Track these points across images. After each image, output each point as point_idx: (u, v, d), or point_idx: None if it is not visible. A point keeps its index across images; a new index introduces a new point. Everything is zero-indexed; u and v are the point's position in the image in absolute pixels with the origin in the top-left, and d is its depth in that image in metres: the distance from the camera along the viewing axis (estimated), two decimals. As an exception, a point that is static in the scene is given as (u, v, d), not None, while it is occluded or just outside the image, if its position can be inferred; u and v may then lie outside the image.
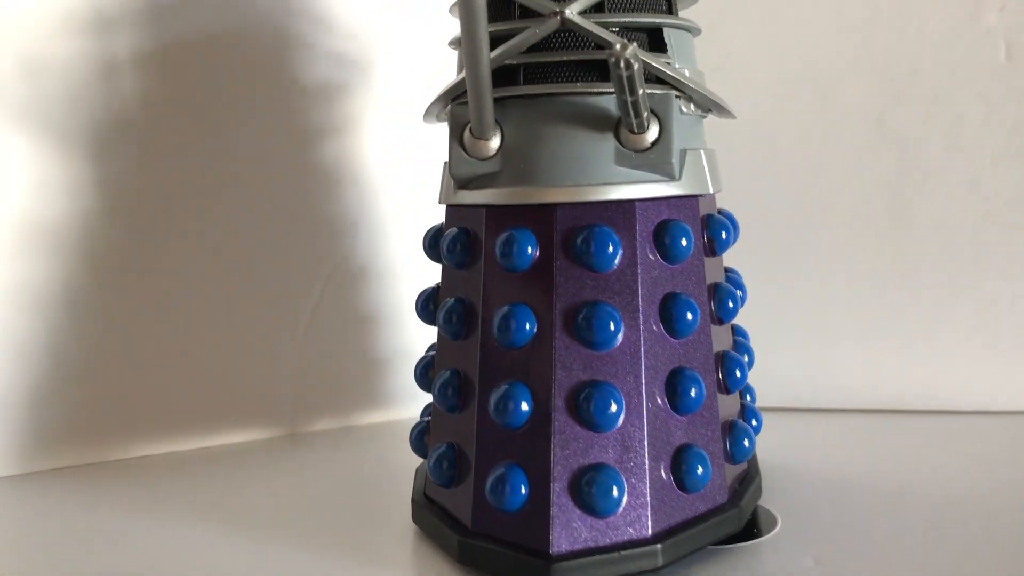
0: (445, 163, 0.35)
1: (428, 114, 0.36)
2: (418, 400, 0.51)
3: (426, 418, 0.37)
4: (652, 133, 0.31)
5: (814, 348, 0.52)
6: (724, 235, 0.34)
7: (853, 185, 0.50)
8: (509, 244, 0.31)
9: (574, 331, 0.30)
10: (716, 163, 0.36)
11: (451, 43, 0.36)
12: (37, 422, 0.44)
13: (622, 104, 0.29)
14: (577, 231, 0.31)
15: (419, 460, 0.41)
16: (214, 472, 0.44)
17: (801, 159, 0.51)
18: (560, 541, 0.29)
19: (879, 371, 0.51)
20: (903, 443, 0.46)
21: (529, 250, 0.31)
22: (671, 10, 0.34)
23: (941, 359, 0.50)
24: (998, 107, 0.48)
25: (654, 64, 0.31)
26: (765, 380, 0.46)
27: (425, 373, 0.36)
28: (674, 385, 0.31)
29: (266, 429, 0.49)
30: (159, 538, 0.36)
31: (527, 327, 0.31)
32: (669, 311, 0.31)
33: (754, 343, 0.40)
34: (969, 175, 0.48)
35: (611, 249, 0.31)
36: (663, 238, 0.31)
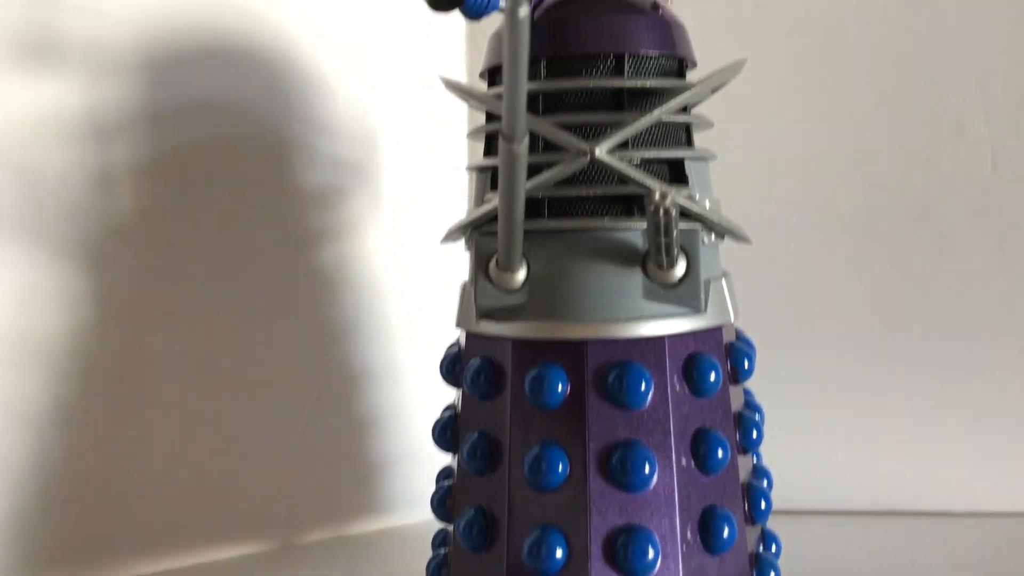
0: (463, 285, 0.35)
1: (448, 238, 0.36)
2: (416, 505, 0.50)
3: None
4: (680, 268, 0.31)
5: (808, 450, 0.52)
6: (747, 364, 0.34)
7: (845, 292, 0.51)
8: (539, 381, 0.31)
9: (609, 473, 0.30)
10: (733, 288, 0.36)
11: (470, 133, 0.36)
12: (26, 540, 0.42)
13: (655, 245, 0.29)
14: (609, 368, 0.30)
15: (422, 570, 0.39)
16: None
17: (793, 267, 0.51)
18: None
19: (873, 472, 0.51)
20: (897, 544, 0.46)
21: (560, 387, 0.31)
22: (690, 141, 0.35)
23: (934, 461, 0.51)
24: (986, 215, 0.49)
25: (686, 204, 0.31)
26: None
27: (443, 503, 0.35)
28: (707, 525, 0.31)
29: (261, 542, 0.47)
30: None
31: (559, 468, 0.30)
32: (700, 447, 0.31)
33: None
34: (960, 281, 0.49)
35: (644, 386, 0.30)
36: (692, 372, 0.31)
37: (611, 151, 0.31)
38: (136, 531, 0.44)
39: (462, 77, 0.53)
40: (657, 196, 0.27)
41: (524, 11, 0.22)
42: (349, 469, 0.50)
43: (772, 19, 0.51)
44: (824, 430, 0.52)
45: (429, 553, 0.36)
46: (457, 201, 0.51)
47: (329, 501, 0.49)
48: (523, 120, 0.26)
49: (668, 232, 0.29)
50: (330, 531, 0.49)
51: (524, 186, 0.28)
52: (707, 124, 0.36)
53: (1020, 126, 0.49)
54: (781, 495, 0.52)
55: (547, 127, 0.31)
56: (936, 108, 0.49)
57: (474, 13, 0.30)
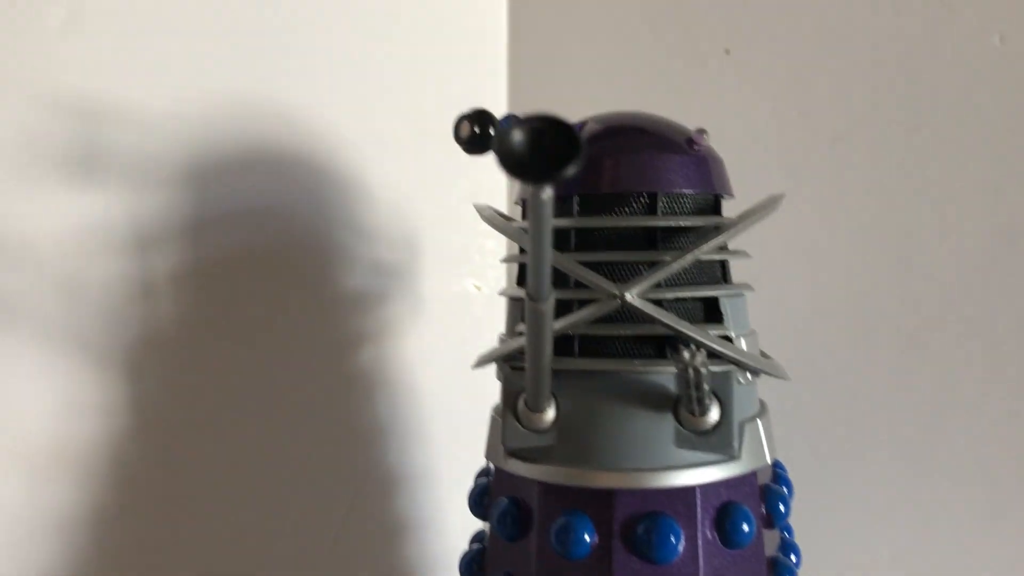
0: (492, 414, 0.35)
1: (479, 365, 0.35)
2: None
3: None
4: (713, 414, 0.30)
5: (853, 567, 0.50)
6: (782, 507, 0.33)
7: (887, 409, 0.49)
8: (566, 531, 0.30)
9: (635, 632, 0.29)
10: (770, 425, 0.35)
11: (504, 260, 0.36)
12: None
13: (686, 398, 0.29)
14: (638, 520, 0.30)
15: None
16: None
17: (835, 378, 0.50)
18: None
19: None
20: None
21: (587, 538, 0.30)
22: (726, 276, 0.34)
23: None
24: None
25: (717, 348, 0.31)
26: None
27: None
28: None
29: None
30: None
31: (585, 624, 0.29)
32: (732, 604, 0.30)
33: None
34: (1012, 396, 0.48)
35: (673, 540, 0.29)
36: (725, 524, 0.30)
37: (642, 293, 0.31)
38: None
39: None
40: (686, 356, 0.27)
41: (548, 193, 0.22)
42: (385, 574, 0.50)
43: (816, 130, 0.50)
44: (870, 548, 0.50)
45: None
46: (496, 307, 0.51)
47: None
48: (548, 284, 0.25)
49: (699, 387, 0.28)
50: (361, 640, 0.49)
51: (551, 339, 0.28)
52: (743, 256, 0.35)
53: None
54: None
55: (578, 269, 0.31)
56: (988, 213, 0.48)
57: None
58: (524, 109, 0.60)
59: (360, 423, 0.49)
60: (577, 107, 0.58)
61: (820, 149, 0.50)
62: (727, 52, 0.52)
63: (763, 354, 0.37)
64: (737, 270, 0.36)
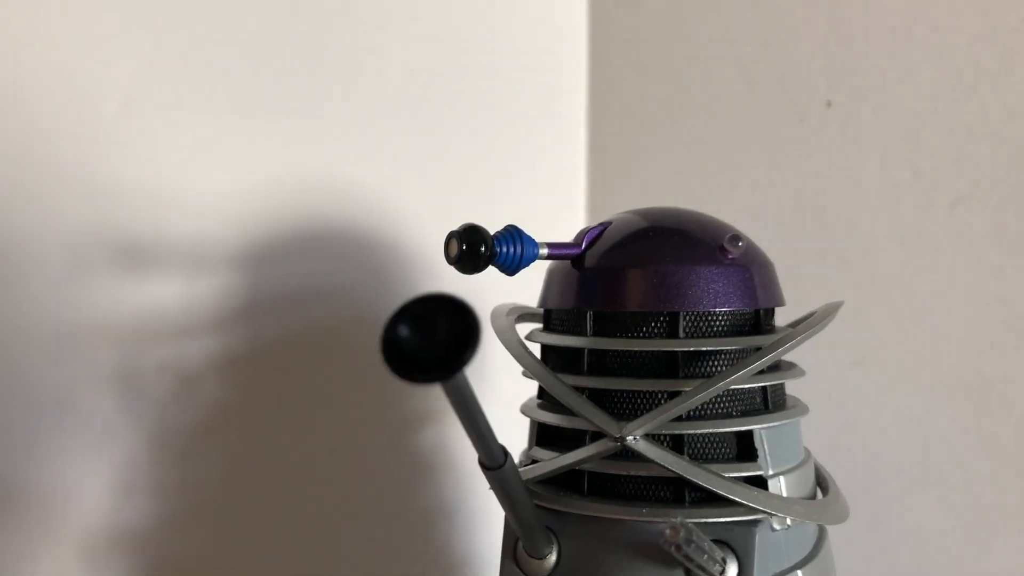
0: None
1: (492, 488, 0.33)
2: None
3: None
4: (730, 573, 0.27)
5: None
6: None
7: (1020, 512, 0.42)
8: None
9: None
10: (826, 566, 0.30)
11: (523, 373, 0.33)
12: None
13: (687, 567, 0.25)
14: None
15: None
16: None
17: (953, 467, 0.44)
18: None
19: None
20: None
21: None
22: (767, 402, 0.30)
23: None
24: None
25: (732, 496, 0.27)
26: None
27: None
28: None
29: None
30: None
31: None
32: None
33: None
34: None
35: None
36: None
37: (653, 430, 0.27)
38: None
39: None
40: (668, 533, 0.23)
41: (459, 378, 0.19)
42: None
43: (933, 190, 0.44)
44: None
45: None
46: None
47: None
48: (496, 450, 0.23)
49: (690, 560, 0.24)
50: None
51: (524, 495, 0.25)
52: (795, 375, 0.31)
53: None
54: None
55: (578, 402, 0.28)
56: None
57: (509, 269, 0.28)
58: (605, 182, 0.57)
59: (425, 505, 0.47)
60: (661, 178, 0.54)
61: (938, 214, 0.44)
62: (829, 104, 0.47)
63: (820, 478, 0.32)
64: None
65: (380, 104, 0.47)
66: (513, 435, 0.33)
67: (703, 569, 0.25)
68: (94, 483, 0.42)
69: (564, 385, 0.28)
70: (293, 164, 0.44)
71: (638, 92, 0.55)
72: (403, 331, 0.18)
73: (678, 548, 0.23)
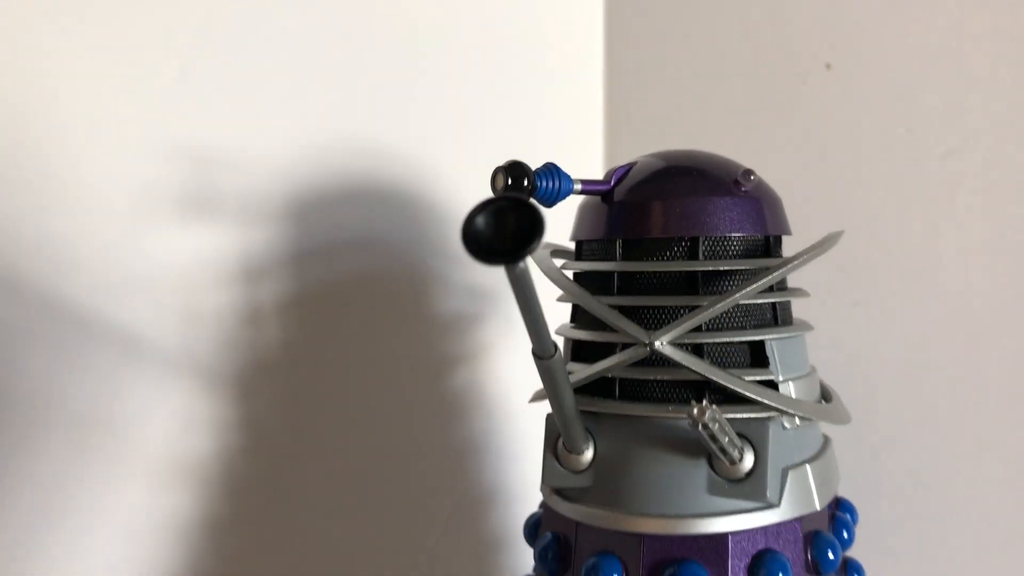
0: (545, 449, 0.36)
1: (532, 400, 0.36)
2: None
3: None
4: (747, 462, 0.30)
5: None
6: (831, 555, 0.32)
7: (1003, 439, 0.46)
8: (595, 572, 0.31)
9: None
10: (828, 467, 0.34)
11: (558, 298, 0.36)
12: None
13: (709, 449, 0.29)
14: (665, 565, 0.30)
15: None
16: None
17: (945, 409, 0.47)
18: None
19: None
20: None
21: (615, 580, 0.30)
22: (776, 318, 0.34)
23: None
24: None
25: (748, 394, 0.30)
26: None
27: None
28: None
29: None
30: None
31: (608, 669, 0.30)
32: (762, 654, 0.30)
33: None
34: None
35: (699, 587, 0.30)
36: (758, 572, 0.30)
37: (677, 339, 0.31)
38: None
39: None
40: (695, 412, 0.27)
41: (520, 267, 0.23)
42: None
43: (925, 145, 0.48)
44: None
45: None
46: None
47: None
48: (548, 340, 0.26)
49: (715, 440, 0.28)
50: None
51: (568, 388, 0.29)
52: (801, 295, 0.35)
53: None
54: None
55: (610, 315, 0.32)
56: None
57: (548, 201, 0.31)
58: (620, 135, 0.60)
59: (458, 442, 0.51)
60: (673, 128, 0.57)
61: (930, 165, 0.48)
62: (828, 67, 0.51)
63: (825, 393, 0.36)
64: (810, 302, 0.35)
65: (412, 69, 0.51)
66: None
67: (724, 452, 0.29)
68: (158, 417, 0.46)
69: (598, 302, 0.32)
70: (337, 124, 0.48)
71: (652, 55, 0.59)
72: (480, 222, 0.21)
73: (704, 427, 0.27)
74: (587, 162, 0.60)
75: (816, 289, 0.38)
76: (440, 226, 0.51)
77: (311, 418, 0.48)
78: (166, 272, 0.46)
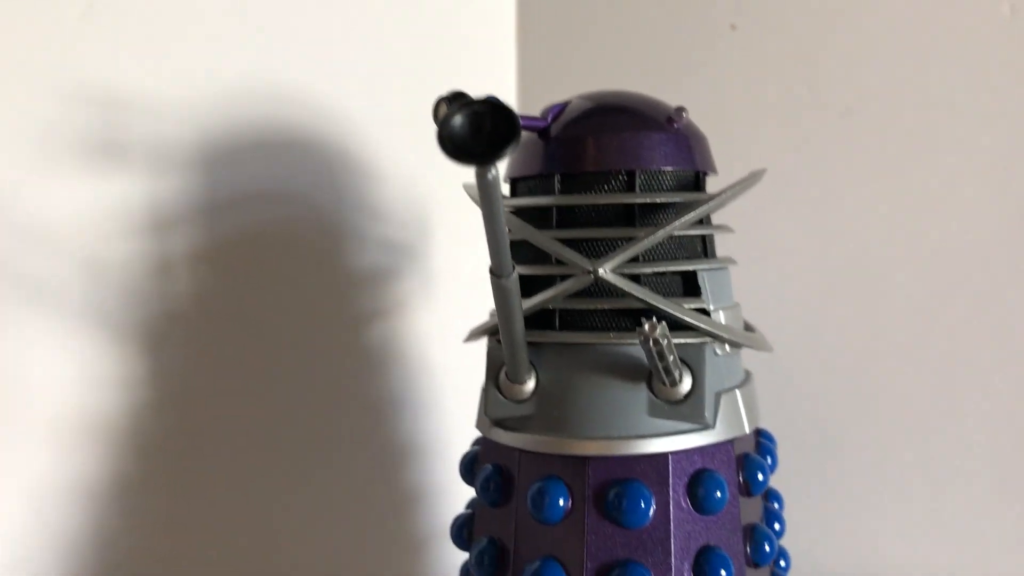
0: (483, 387, 0.36)
1: (469, 339, 0.37)
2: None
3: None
4: (685, 385, 0.31)
5: (861, 542, 0.51)
6: (760, 476, 0.34)
7: (901, 377, 0.49)
8: (541, 496, 0.31)
9: (604, 593, 0.30)
10: (753, 395, 0.35)
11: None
12: (83, 609, 0.45)
13: (654, 368, 0.30)
14: (609, 485, 0.31)
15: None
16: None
17: (848, 349, 0.50)
18: None
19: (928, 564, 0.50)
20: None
21: (561, 502, 0.31)
22: (706, 251, 0.35)
23: (991, 557, 0.49)
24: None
25: (686, 319, 0.31)
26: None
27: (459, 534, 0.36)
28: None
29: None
30: None
31: (557, 585, 0.31)
32: (703, 567, 0.31)
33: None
34: (1020, 370, 0.48)
35: (643, 505, 0.31)
36: (697, 490, 0.31)
37: (617, 268, 0.32)
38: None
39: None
40: (646, 328, 0.28)
41: (492, 174, 0.23)
42: (395, 543, 0.51)
43: (824, 104, 0.50)
44: (875, 519, 0.50)
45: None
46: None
47: (374, 574, 0.51)
48: (507, 259, 0.27)
49: (663, 358, 0.29)
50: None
51: (520, 312, 0.29)
52: (725, 231, 0.36)
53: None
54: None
55: (554, 245, 0.32)
56: (1001, 188, 0.48)
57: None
58: (533, 88, 0.61)
59: (375, 396, 0.51)
60: (584, 84, 0.58)
61: (829, 122, 0.50)
62: (733, 28, 0.53)
63: (747, 326, 0.37)
64: (729, 244, 0.37)
65: (328, 15, 0.50)
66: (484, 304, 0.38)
67: (667, 372, 0.30)
68: (62, 374, 0.44)
69: (542, 232, 0.33)
70: (249, 68, 0.47)
71: (565, 11, 0.60)
72: (457, 122, 0.21)
73: (655, 342, 0.28)
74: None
75: (726, 243, 0.40)
76: (357, 178, 0.50)
77: (223, 373, 0.47)
78: (71, 221, 0.43)
